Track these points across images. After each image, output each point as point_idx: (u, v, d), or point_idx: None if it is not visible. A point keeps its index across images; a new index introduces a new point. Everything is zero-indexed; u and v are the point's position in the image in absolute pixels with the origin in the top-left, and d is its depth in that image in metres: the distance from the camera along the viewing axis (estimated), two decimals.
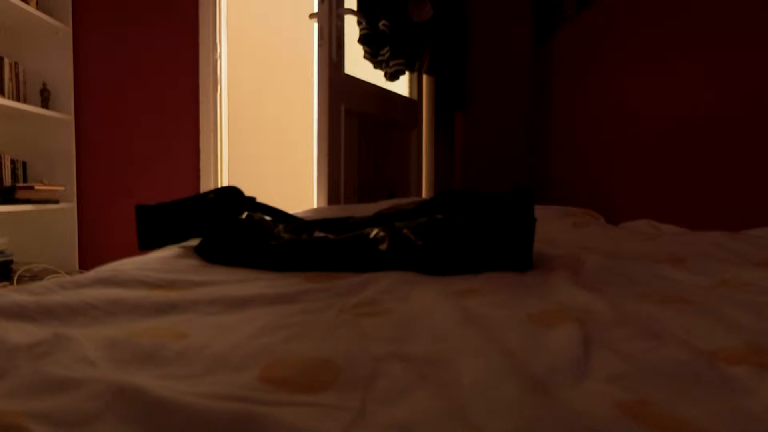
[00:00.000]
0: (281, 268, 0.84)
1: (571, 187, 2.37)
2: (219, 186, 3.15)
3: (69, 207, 3.17)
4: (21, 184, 2.98)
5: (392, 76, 2.45)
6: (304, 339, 0.49)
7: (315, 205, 2.18)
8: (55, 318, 0.54)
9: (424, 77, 2.91)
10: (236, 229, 0.96)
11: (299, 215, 1.41)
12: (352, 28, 2.35)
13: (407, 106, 2.81)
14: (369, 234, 0.88)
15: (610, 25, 2.10)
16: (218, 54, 3.14)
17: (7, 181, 2.95)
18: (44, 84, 3.10)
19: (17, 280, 2.79)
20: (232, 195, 1.16)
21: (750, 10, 1.34)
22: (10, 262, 2.83)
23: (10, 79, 2.93)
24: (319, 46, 2.15)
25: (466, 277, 0.79)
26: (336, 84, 2.19)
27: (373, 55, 2.36)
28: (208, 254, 0.92)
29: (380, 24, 2.31)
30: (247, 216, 1.01)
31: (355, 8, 2.30)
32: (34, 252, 3.15)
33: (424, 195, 2.89)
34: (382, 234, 0.87)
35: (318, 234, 0.98)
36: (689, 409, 0.35)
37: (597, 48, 2.21)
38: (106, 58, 3.19)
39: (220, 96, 3.16)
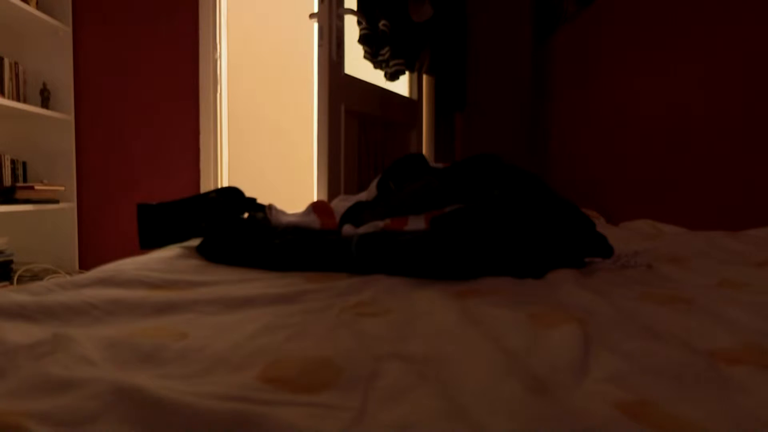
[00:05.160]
0: (284, 268, 0.84)
1: (571, 187, 2.37)
2: (219, 186, 3.15)
3: (69, 207, 3.17)
4: (21, 184, 2.97)
5: (392, 76, 2.45)
6: (304, 339, 0.49)
7: None
8: (55, 318, 0.54)
9: (424, 77, 2.91)
10: (239, 229, 0.96)
11: None
12: (352, 28, 2.35)
13: (407, 106, 2.81)
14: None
15: (610, 25, 2.10)
16: (218, 54, 3.14)
17: (7, 181, 2.95)
18: (44, 84, 3.10)
19: (17, 280, 2.79)
20: (233, 196, 1.16)
21: (749, 10, 1.34)
22: (10, 262, 2.82)
23: (10, 79, 2.93)
24: (319, 46, 2.15)
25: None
26: (336, 84, 2.19)
27: (373, 55, 2.36)
28: (210, 254, 0.92)
29: (380, 24, 2.31)
30: (249, 216, 1.01)
31: (355, 8, 2.30)
32: (34, 252, 3.15)
33: None
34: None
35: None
36: (689, 409, 0.35)
37: (597, 47, 2.21)
38: (106, 58, 3.19)
39: (220, 96, 3.16)
